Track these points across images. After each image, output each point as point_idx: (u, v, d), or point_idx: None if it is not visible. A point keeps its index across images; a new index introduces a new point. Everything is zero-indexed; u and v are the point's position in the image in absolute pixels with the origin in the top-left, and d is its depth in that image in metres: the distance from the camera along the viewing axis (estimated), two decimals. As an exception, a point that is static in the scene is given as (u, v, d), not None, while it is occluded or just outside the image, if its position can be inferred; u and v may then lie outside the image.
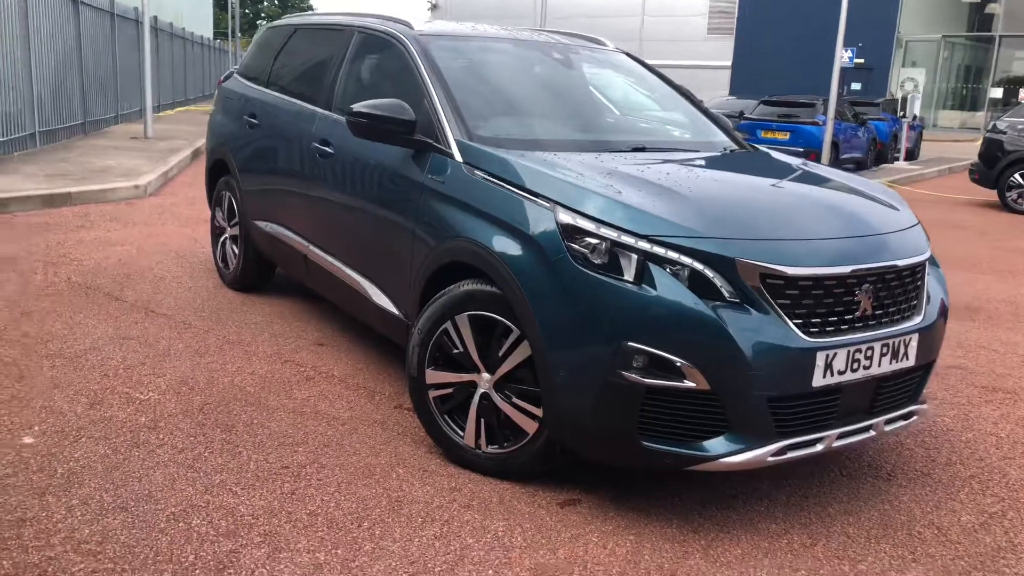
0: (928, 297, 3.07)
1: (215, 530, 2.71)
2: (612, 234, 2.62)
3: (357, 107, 3.42)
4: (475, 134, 3.35)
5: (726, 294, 2.54)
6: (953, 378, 4.56)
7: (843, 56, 14.24)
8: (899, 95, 19.65)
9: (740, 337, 2.47)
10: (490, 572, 2.57)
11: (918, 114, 19.50)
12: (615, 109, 4.09)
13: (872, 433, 2.87)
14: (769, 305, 2.53)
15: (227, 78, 5.82)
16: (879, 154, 17.53)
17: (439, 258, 3.24)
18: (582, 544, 2.73)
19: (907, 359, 2.83)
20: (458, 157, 3.28)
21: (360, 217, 3.86)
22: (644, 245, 2.59)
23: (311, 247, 4.38)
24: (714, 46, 34.95)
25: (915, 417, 3.09)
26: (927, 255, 3.06)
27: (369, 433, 3.48)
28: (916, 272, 2.97)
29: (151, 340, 4.47)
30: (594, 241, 2.66)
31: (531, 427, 2.96)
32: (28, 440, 3.27)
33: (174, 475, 3.06)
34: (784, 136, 16.37)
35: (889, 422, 2.94)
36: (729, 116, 17.46)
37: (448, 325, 3.13)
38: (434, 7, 44.93)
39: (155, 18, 18.59)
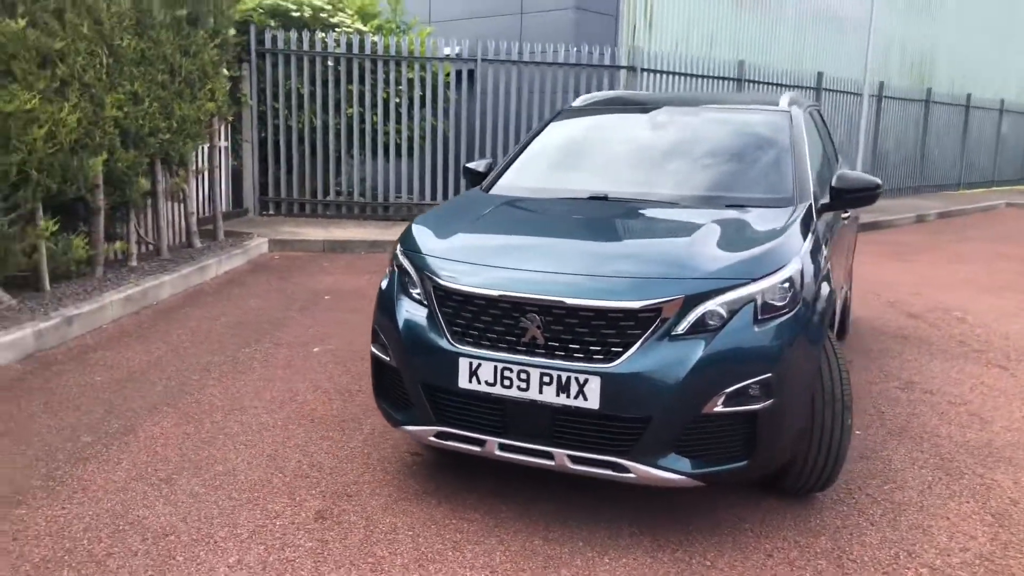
0: (649, 349, 2.68)
1: (127, 407, 3.47)
2: (397, 248, 3.35)
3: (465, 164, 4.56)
4: (494, 182, 4.07)
5: (423, 298, 3.04)
6: None
7: None
8: None
9: (404, 328, 3.03)
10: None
11: None
12: (680, 161, 3.89)
13: (552, 463, 2.82)
14: (434, 310, 2.99)
15: None
16: None
17: None
18: (367, 475, 3.03)
19: (584, 399, 2.72)
20: None
21: None
22: (399, 255, 3.28)
23: None
24: None
25: (631, 475, 2.72)
26: (635, 305, 2.71)
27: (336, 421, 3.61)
28: (612, 316, 2.75)
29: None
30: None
31: None
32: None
33: (181, 376, 3.95)
34: None
35: (578, 461, 2.79)
36: None
37: None
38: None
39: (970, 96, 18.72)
